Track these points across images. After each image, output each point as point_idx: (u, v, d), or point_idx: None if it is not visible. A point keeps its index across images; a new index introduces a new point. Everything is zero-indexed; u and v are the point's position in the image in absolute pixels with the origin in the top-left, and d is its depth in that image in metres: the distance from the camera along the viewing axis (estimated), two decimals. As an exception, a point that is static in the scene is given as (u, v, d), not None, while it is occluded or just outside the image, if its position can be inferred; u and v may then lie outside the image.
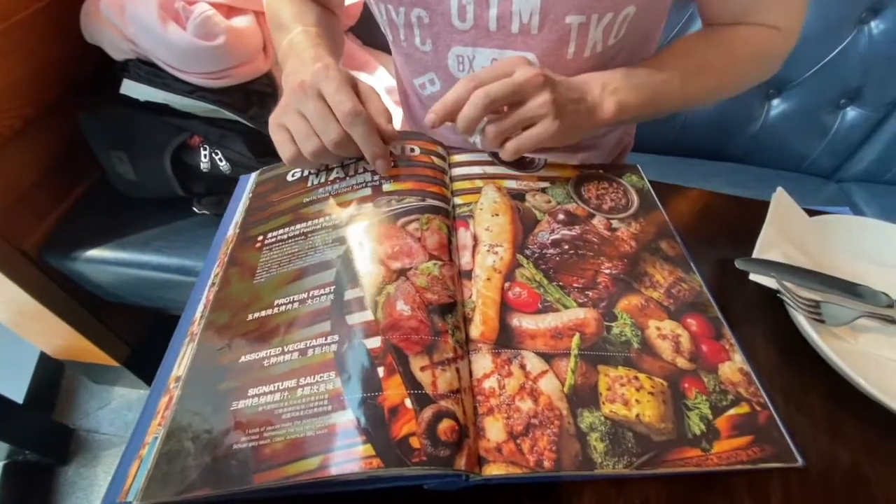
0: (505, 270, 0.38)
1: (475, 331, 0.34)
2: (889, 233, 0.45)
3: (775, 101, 1.06)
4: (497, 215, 0.42)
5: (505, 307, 0.36)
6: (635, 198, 0.46)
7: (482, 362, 0.33)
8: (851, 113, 1.03)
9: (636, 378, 0.33)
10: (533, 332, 0.34)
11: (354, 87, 0.41)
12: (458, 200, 0.43)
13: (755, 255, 0.41)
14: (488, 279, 0.37)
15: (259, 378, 0.31)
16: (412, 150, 0.46)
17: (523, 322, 0.35)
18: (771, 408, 0.32)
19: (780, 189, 0.46)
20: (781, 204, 0.45)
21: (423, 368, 0.30)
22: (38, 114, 0.84)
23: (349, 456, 0.26)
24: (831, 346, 0.34)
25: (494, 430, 0.30)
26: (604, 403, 0.31)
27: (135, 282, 0.90)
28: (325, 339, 0.32)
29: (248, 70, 0.83)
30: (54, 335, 0.98)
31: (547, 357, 0.33)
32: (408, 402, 0.28)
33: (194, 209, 0.89)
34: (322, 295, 0.34)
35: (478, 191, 0.44)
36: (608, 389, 0.32)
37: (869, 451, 0.33)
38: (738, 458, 0.30)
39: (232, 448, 0.27)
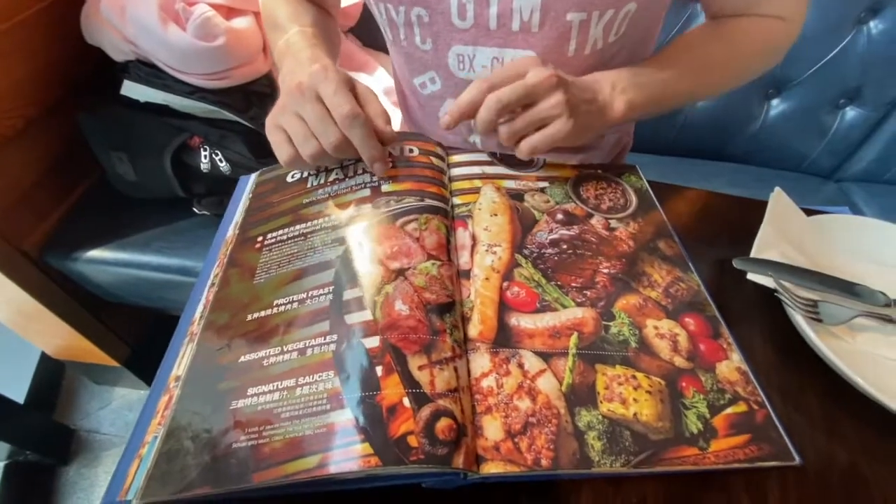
0: (503, 270, 0.38)
1: (473, 330, 0.34)
2: (887, 232, 0.45)
3: (775, 101, 1.06)
4: (496, 215, 0.42)
5: (503, 307, 0.36)
6: (633, 198, 0.46)
7: (480, 361, 0.33)
8: (851, 113, 1.03)
9: (634, 377, 0.33)
10: (531, 332, 0.35)
11: (352, 88, 0.41)
12: (456, 200, 0.44)
13: (753, 254, 0.41)
14: (487, 279, 0.38)
15: (258, 378, 0.31)
16: (411, 150, 0.46)
17: (521, 321, 0.35)
18: (768, 407, 0.33)
19: (777, 189, 0.46)
20: (779, 204, 0.46)
21: (421, 367, 0.30)
22: (38, 114, 0.84)
23: (347, 455, 0.26)
24: (829, 346, 0.34)
25: (492, 428, 0.30)
26: (601, 402, 0.31)
27: (135, 282, 0.90)
28: (324, 339, 0.32)
29: (248, 71, 0.83)
30: (54, 335, 0.98)
31: (545, 356, 0.33)
32: (406, 401, 0.28)
33: (194, 210, 0.89)
34: (321, 295, 0.34)
35: (476, 191, 0.45)
36: (606, 388, 0.32)
37: (866, 449, 0.33)
38: (736, 456, 0.30)
39: (231, 447, 0.28)
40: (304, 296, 0.35)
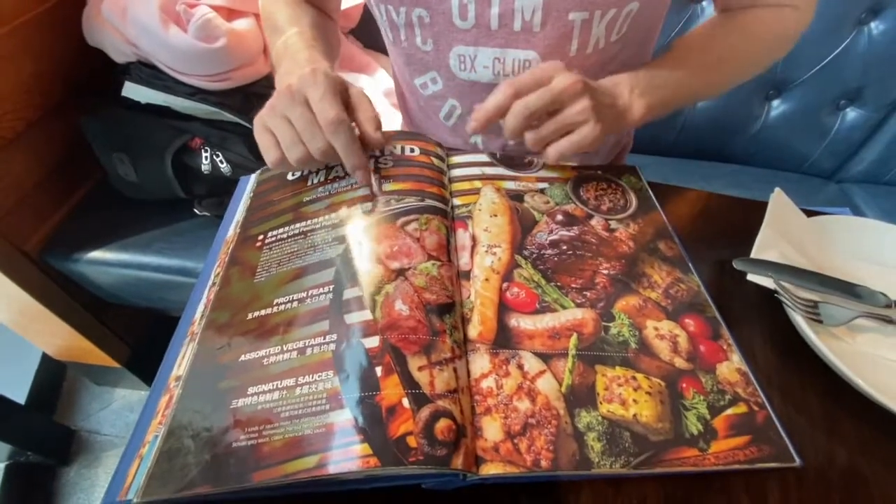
0: (503, 271, 0.38)
1: (473, 331, 0.34)
2: (887, 233, 0.45)
3: (775, 102, 1.06)
4: (496, 216, 0.42)
5: (503, 307, 0.36)
6: (633, 199, 0.46)
7: (480, 362, 0.33)
8: (851, 114, 1.03)
9: (634, 378, 0.33)
10: (531, 333, 0.35)
11: (345, 91, 0.41)
12: (456, 201, 0.44)
13: (753, 255, 0.41)
14: (486, 279, 0.38)
15: (258, 377, 0.31)
16: (412, 150, 0.46)
17: (521, 322, 0.35)
18: (769, 408, 0.32)
19: (777, 190, 0.46)
20: (779, 204, 0.46)
21: (420, 368, 0.30)
22: (40, 116, 0.84)
23: (346, 455, 0.26)
24: (829, 347, 0.34)
25: (492, 429, 0.30)
26: (601, 403, 0.31)
27: (136, 283, 0.90)
28: (324, 339, 0.32)
29: (248, 72, 0.83)
30: (55, 336, 0.98)
31: (545, 357, 0.33)
32: (405, 402, 0.28)
33: (195, 211, 0.90)
34: (321, 294, 0.34)
35: (476, 192, 0.45)
36: (606, 389, 0.32)
37: (867, 450, 0.33)
38: (736, 457, 0.30)
39: (231, 446, 0.28)
40: (304, 295, 0.35)
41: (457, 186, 0.45)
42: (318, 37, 0.52)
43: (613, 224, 0.43)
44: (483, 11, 0.47)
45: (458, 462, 0.27)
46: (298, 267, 0.37)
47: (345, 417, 0.28)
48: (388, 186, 0.42)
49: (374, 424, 0.27)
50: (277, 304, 0.35)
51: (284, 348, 0.32)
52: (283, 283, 0.36)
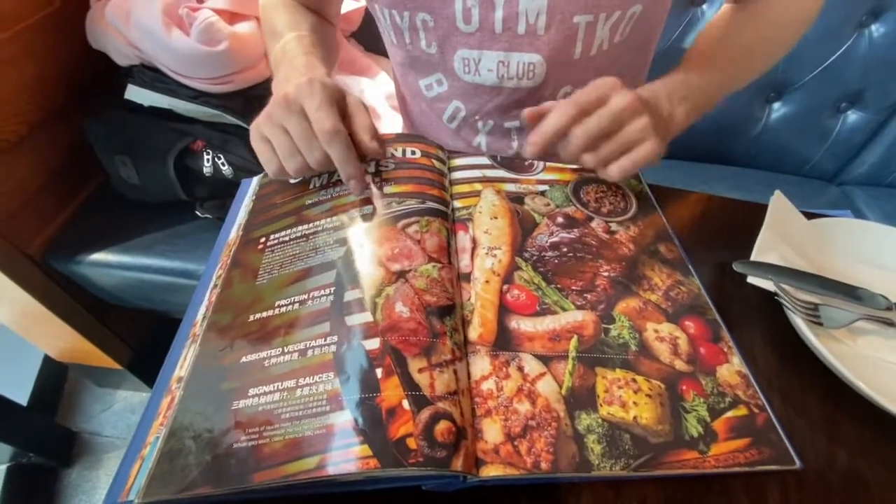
0: (503, 273, 0.38)
1: (473, 333, 0.34)
2: (887, 236, 0.45)
3: (776, 105, 1.06)
4: (496, 218, 0.43)
5: (503, 309, 0.36)
6: (634, 201, 0.46)
7: (480, 364, 0.33)
8: (852, 116, 1.03)
9: (634, 380, 0.33)
10: (531, 335, 0.35)
11: (342, 100, 0.41)
12: (457, 203, 0.44)
13: (753, 257, 0.41)
14: (487, 282, 0.38)
15: (259, 378, 0.31)
16: (413, 152, 0.46)
17: (521, 324, 0.35)
18: (769, 410, 0.32)
19: (777, 192, 0.46)
20: (779, 207, 0.46)
21: (421, 370, 0.30)
22: (43, 119, 0.85)
23: (346, 456, 0.26)
24: (829, 349, 0.34)
25: (492, 431, 0.30)
26: (601, 405, 0.31)
27: (138, 285, 0.90)
28: (325, 340, 0.32)
29: (250, 75, 0.84)
30: (58, 338, 0.99)
31: (545, 359, 0.33)
32: (405, 404, 0.28)
33: (197, 213, 0.90)
34: (322, 296, 0.35)
35: (477, 194, 0.45)
36: (606, 391, 0.32)
37: (867, 453, 0.33)
38: (736, 460, 0.30)
39: (232, 447, 0.28)
40: (305, 297, 0.35)
41: (457, 189, 0.45)
42: (316, 42, 0.52)
43: (614, 226, 0.43)
44: (487, 15, 0.47)
45: (458, 464, 0.27)
46: (300, 269, 0.37)
47: (345, 419, 0.28)
48: (389, 189, 0.42)
49: (374, 426, 0.28)
50: (279, 307, 0.35)
51: (285, 350, 0.32)
52: (285, 286, 0.36)
